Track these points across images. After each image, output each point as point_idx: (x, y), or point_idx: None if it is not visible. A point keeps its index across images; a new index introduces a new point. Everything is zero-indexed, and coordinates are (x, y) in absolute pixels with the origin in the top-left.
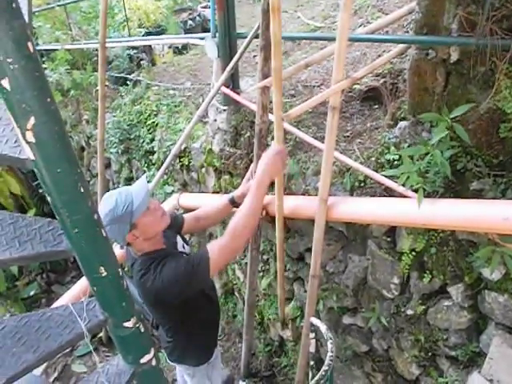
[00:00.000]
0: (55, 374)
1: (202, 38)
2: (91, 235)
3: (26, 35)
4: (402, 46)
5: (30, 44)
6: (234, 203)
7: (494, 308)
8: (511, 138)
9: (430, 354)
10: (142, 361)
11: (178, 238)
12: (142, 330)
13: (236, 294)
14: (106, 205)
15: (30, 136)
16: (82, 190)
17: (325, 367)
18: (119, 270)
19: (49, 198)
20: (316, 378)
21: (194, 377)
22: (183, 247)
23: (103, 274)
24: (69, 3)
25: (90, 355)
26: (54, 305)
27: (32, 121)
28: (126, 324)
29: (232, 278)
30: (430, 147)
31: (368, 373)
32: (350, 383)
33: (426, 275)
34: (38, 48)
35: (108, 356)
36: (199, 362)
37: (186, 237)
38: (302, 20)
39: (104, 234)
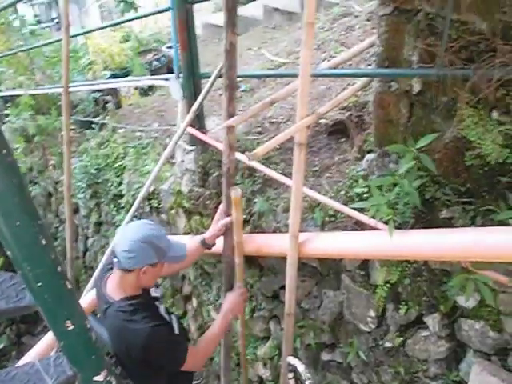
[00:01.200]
0: None
1: (167, 79)
2: (55, 288)
3: None
4: (365, 79)
5: None
6: (205, 245)
7: (471, 335)
8: (477, 165)
9: None
10: None
11: None
12: (114, 383)
13: None
14: (151, 230)
15: None
16: (44, 243)
17: None
18: (86, 322)
19: (8, 253)
20: None
21: None
22: (155, 291)
23: (70, 328)
24: (32, 48)
25: None
26: (22, 360)
27: None
28: (96, 378)
29: (207, 319)
30: (398, 177)
31: None
32: None
33: (401, 306)
34: (0, 94)
35: None
36: None
37: (159, 280)
38: (267, 57)
39: (69, 287)
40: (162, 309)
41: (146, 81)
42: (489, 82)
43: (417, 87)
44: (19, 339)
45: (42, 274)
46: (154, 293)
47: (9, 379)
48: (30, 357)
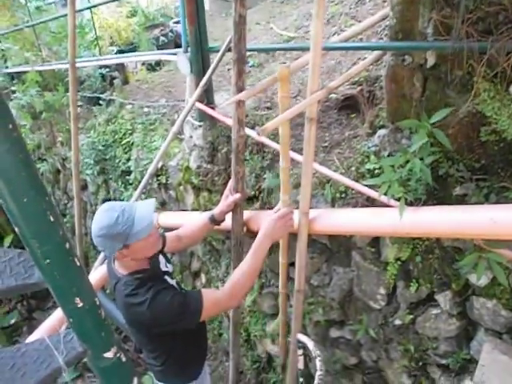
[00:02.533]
0: None
1: (174, 54)
2: (64, 265)
3: None
4: (377, 52)
5: None
6: (214, 221)
7: (482, 314)
8: (492, 141)
9: (420, 363)
10: None
11: (161, 257)
12: (124, 360)
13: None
14: (105, 218)
15: None
16: (52, 219)
17: None
18: (96, 299)
19: (16, 229)
20: None
21: None
22: (166, 266)
23: (79, 305)
24: (38, 24)
25: (74, 382)
26: (32, 336)
27: None
28: (106, 355)
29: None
30: (410, 155)
31: None
32: None
33: (412, 284)
34: (7, 70)
35: (93, 382)
36: (185, 380)
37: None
38: (275, 31)
39: (78, 263)
40: (172, 282)
41: (154, 56)
42: (507, 55)
43: (431, 61)
44: (30, 314)
45: (50, 250)
46: (164, 267)
47: (19, 356)
48: (39, 332)
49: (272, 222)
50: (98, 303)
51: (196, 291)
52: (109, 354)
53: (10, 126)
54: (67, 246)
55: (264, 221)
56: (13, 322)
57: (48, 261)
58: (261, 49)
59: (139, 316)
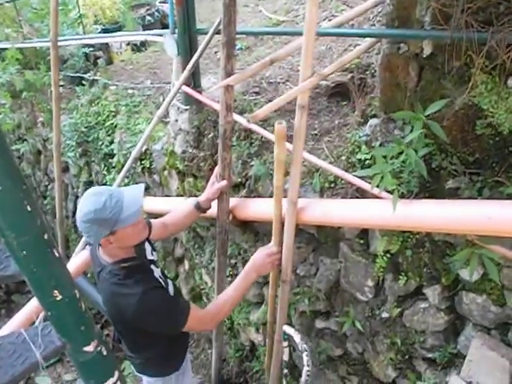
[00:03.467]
0: None
1: (161, 35)
2: (42, 257)
3: None
4: (371, 39)
5: None
6: (200, 208)
7: (471, 309)
8: (488, 134)
9: (406, 356)
10: None
11: (147, 245)
12: (105, 353)
13: (204, 299)
14: (92, 203)
15: None
16: (29, 209)
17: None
18: (75, 291)
19: None
20: None
21: None
22: (152, 254)
23: (58, 298)
24: None
25: (54, 366)
26: (6, 326)
27: None
28: (86, 348)
29: (199, 282)
30: (404, 146)
31: (343, 376)
32: None
33: (401, 277)
34: None
35: (73, 366)
36: (167, 372)
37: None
38: (264, 14)
39: (57, 255)
40: (157, 272)
41: (140, 36)
42: (507, 47)
43: (428, 50)
44: (9, 297)
45: (27, 241)
46: (150, 255)
47: None
48: (15, 322)
49: (262, 257)
50: (77, 296)
51: (186, 303)
52: (89, 348)
53: None
54: (45, 236)
55: (256, 254)
56: None
57: (25, 252)
58: (251, 32)
59: (124, 307)
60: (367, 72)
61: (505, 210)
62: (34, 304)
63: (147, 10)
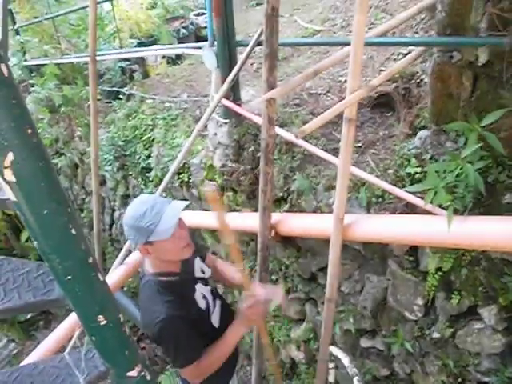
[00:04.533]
0: None
1: (199, 48)
2: (87, 281)
3: None
4: (419, 48)
5: (3, 66)
6: None
7: None
8: None
9: (459, 379)
10: None
11: (198, 262)
12: (148, 378)
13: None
14: (134, 209)
15: (9, 174)
16: (74, 232)
17: None
18: (119, 316)
19: (35, 243)
20: None
21: None
22: (202, 272)
23: (102, 323)
24: (57, 16)
25: None
26: (44, 343)
27: (10, 157)
28: (130, 373)
29: (238, 299)
30: (459, 160)
31: None
32: None
33: (454, 296)
34: (26, 63)
35: None
36: None
37: None
38: (300, 24)
39: (101, 279)
40: (203, 290)
41: (177, 49)
42: None
43: (483, 58)
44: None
45: (72, 266)
46: (199, 273)
47: (37, 373)
48: (54, 336)
49: (243, 312)
50: (121, 320)
51: (197, 353)
52: (133, 373)
53: (29, 131)
54: (90, 260)
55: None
56: (29, 316)
57: (69, 277)
58: (294, 43)
59: (146, 323)
60: (412, 81)
61: None
62: (73, 317)
63: (182, 22)
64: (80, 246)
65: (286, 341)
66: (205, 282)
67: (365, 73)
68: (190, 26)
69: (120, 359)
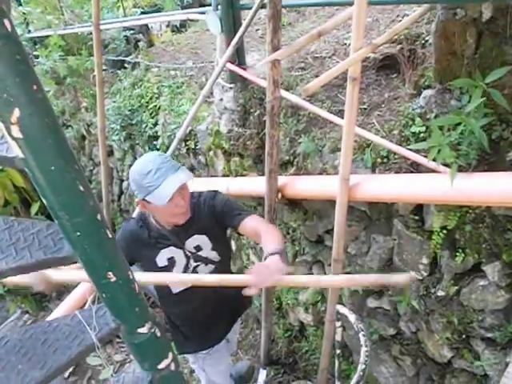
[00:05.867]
0: (70, 369)
1: (203, 13)
2: (96, 238)
3: (2, 11)
4: (424, 6)
5: (6, 21)
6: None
7: None
8: None
9: (463, 336)
10: (160, 366)
11: (197, 237)
12: (159, 335)
13: None
14: (141, 165)
15: (16, 131)
16: (82, 189)
17: (362, 365)
18: (129, 272)
19: (44, 200)
20: (355, 380)
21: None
22: (196, 248)
23: (112, 280)
24: None
25: (104, 347)
26: (57, 310)
27: (17, 113)
28: (141, 330)
29: (247, 263)
30: (463, 116)
31: (396, 356)
32: (377, 367)
33: (458, 254)
34: (29, 35)
35: (122, 347)
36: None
37: None
38: None
39: (110, 236)
40: (169, 254)
41: (181, 15)
42: None
43: (487, 14)
44: None
45: (80, 222)
46: (190, 247)
47: (51, 331)
48: (67, 304)
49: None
50: (131, 277)
51: None
52: (143, 330)
53: (35, 87)
54: (99, 217)
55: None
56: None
57: (78, 233)
58: (298, 4)
59: None
60: (417, 43)
61: None
62: (84, 286)
63: None
64: (88, 202)
65: (294, 304)
66: (194, 256)
67: (370, 35)
68: None
69: (130, 316)
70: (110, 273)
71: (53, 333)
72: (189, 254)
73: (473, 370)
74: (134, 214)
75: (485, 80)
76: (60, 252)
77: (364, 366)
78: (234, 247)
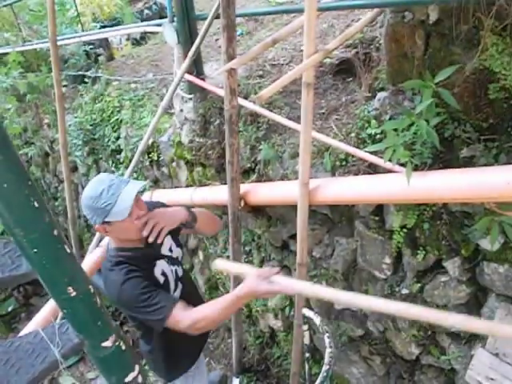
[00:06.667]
0: None
1: (160, 25)
2: (53, 253)
3: None
4: (375, 11)
5: None
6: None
7: (494, 279)
8: (501, 98)
9: (429, 332)
10: (127, 380)
11: (168, 239)
12: (123, 348)
13: (221, 288)
14: (91, 189)
15: None
16: (36, 205)
17: (326, 366)
18: (90, 286)
19: None
20: (319, 381)
21: None
22: (170, 250)
23: (72, 294)
24: (15, 2)
25: (76, 365)
26: (26, 328)
27: None
28: (105, 344)
29: (215, 272)
30: (415, 117)
31: (365, 357)
32: (348, 369)
33: (419, 252)
34: None
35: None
36: (171, 375)
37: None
38: None
39: (68, 251)
40: (160, 268)
41: (138, 28)
42: None
43: (434, 16)
44: (27, 301)
45: (37, 239)
46: (167, 251)
47: (13, 350)
48: (34, 324)
49: (258, 280)
50: (92, 291)
51: (171, 299)
52: (107, 343)
53: None
54: (55, 232)
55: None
56: (10, 309)
57: (35, 250)
58: (251, 13)
59: (110, 294)
60: (371, 46)
61: None
62: (51, 305)
63: (145, 3)
64: (43, 218)
65: (263, 310)
66: (171, 260)
67: (326, 41)
68: (154, 7)
69: (93, 330)
70: (69, 288)
71: (15, 352)
72: (168, 260)
73: (440, 364)
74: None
75: (434, 80)
76: (18, 269)
77: (328, 367)
78: (201, 257)
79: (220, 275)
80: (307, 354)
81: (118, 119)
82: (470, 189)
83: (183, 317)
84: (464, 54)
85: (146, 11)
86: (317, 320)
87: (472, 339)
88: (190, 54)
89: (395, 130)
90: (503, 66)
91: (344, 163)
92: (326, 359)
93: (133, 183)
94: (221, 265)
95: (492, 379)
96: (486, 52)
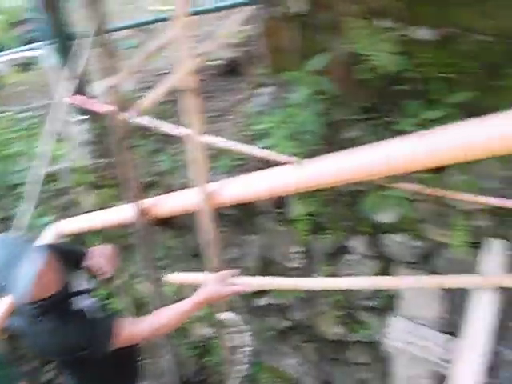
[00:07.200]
0: None
1: (35, 49)
2: None
3: None
4: (246, 9)
5: None
6: None
7: (396, 249)
8: (372, 78)
9: (348, 310)
10: None
11: (81, 273)
12: None
13: (150, 305)
14: None
15: None
16: None
17: (243, 366)
18: None
19: None
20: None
21: None
22: (86, 283)
23: None
24: None
25: None
26: None
27: None
28: None
29: (139, 291)
30: (297, 107)
31: (296, 346)
32: (283, 361)
33: (325, 236)
34: None
35: None
36: None
37: None
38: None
39: None
40: (85, 303)
41: (15, 54)
42: None
43: (297, 7)
44: None
45: None
46: (81, 286)
47: None
48: None
49: (214, 283)
50: None
51: (109, 319)
52: None
53: None
54: None
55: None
56: None
57: None
58: (125, 27)
59: (47, 345)
60: (254, 44)
61: (402, 146)
62: None
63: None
64: None
65: (190, 321)
66: (89, 292)
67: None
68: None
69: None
70: None
71: None
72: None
73: (365, 339)
74: None
75: (306, 68)
76: None
77: (245, 367)
78: (123, 279)
79: (144, 293)
80: (239, 355)
81: (14, 152)
82: (354, 169)
83: (134, 328)
84: (333, 40)
85: (32, 34)
86: (236, 320)
87: (388, 309)
88: (73, 75)
89: (283, 122)
90: (370, 47)
91: (240, 162)
92: (245, 358)
93: (35, 252)
94: (173, 278)
95: (410, 342)
96: (351, 36)
